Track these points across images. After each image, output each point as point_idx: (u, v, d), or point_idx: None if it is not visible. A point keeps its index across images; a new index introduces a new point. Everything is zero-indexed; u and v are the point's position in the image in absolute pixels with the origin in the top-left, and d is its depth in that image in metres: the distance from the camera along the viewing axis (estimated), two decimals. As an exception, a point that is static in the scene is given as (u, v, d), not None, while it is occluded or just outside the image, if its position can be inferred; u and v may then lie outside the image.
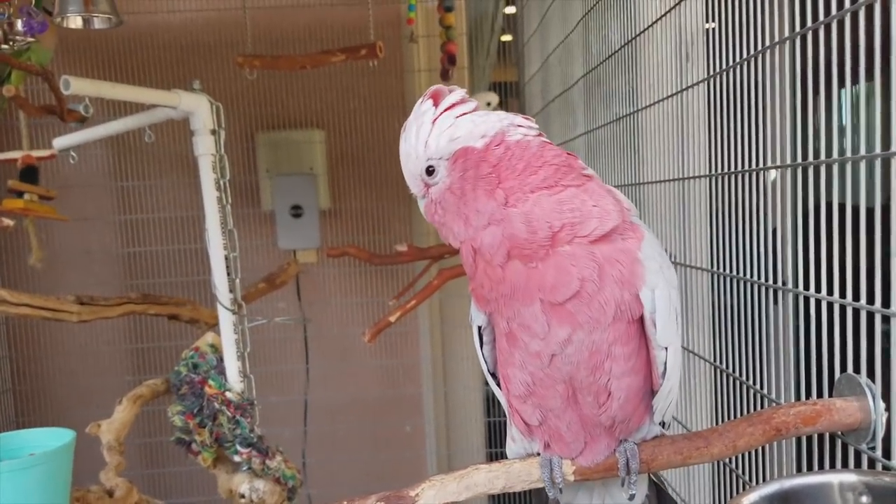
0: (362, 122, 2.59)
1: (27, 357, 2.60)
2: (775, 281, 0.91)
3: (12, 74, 1.72)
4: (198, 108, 1.61)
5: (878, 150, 0.70)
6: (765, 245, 0.93)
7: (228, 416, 1.62)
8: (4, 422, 2.54)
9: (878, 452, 0.74)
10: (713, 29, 1.02)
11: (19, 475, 1.12)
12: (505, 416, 0.83)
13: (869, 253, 0.72)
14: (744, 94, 0.95)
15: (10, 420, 2.57)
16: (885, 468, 0.73)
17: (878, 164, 0.71)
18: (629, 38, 1.32)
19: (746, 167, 0.96)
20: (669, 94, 1.17)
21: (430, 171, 0.72)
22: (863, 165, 0.73)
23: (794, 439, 0.90)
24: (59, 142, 1.77)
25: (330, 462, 2.68)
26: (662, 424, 0.81)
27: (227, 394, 1.65)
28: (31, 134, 2.06)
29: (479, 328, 0.80)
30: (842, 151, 0.78)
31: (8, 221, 1.72)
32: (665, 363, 0.74)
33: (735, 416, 1.02)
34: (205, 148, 1.63)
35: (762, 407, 0.95)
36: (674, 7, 1.12)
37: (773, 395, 0.93)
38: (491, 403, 2.85)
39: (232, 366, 1.69)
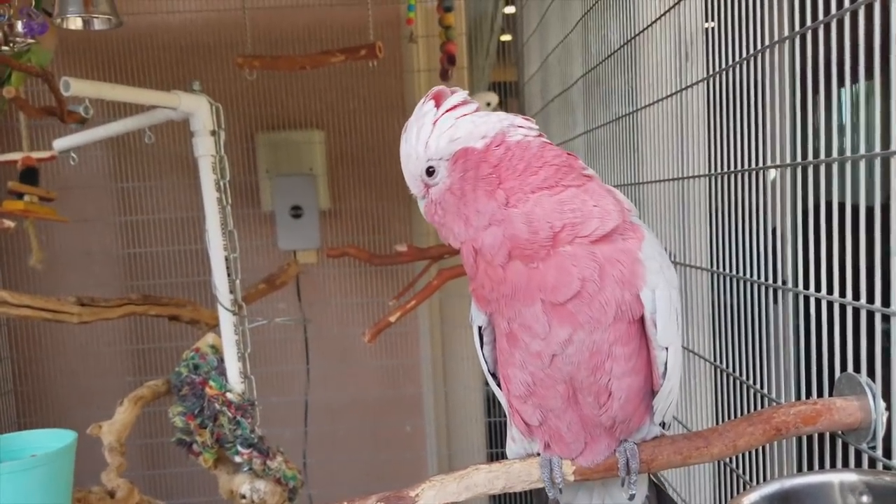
0: (362, 123, 2.60)
1: (28, 358, 2.61)
2: (775, 280, 0.91)
3: (12, 76, 1.72)
4: (198, 109, 1.61)
5: (877, 149, 0.70)
6: (765, 244, 0.93)
7: (229, 416, 1.62)
8: (6, 423, 2.54)
9: (879, 452, 0.74)
10: (712, 28, 1.02)
11: (20, 476, 1.12)
12: (505, 416, 0.83)
13: (869, 252, 0.72)
14: (743, 93, 0.95)
15: (11, 421, 2.57)
16: (886, 468, 0.72)
17: (877, 163, 0.71)
18: (628, 38, 1.32)
19: (746, 166, 0.96)
20: (669, 93, 1.17)
21: (430, 171, 0.72)
22: (862, 164, 0.73)
23: (794, 439, 0.90)
24: (60, 143, 1.77)
25: (330, 462, 2.68)
26: (662, 424, 0.81)
27: (228, 394, 1.65)
28: (31, 135, 2.07)
29: (480, 328, 0.80)
30: (841, 150, 0.78)
31: (8, 223, 1.72)
32: (665, 363, 0.74)
33: (735, 416, 1.02)
34: (205, 149, 1.64)
35: (762, 406, 0.95)
36: (673, 6, 1.12)
37: (774, 395, 0.93)
38: (491, 403, 2.85)
39: (232, 366, 1.69)
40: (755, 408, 0.97)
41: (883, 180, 0.70)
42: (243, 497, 1.65)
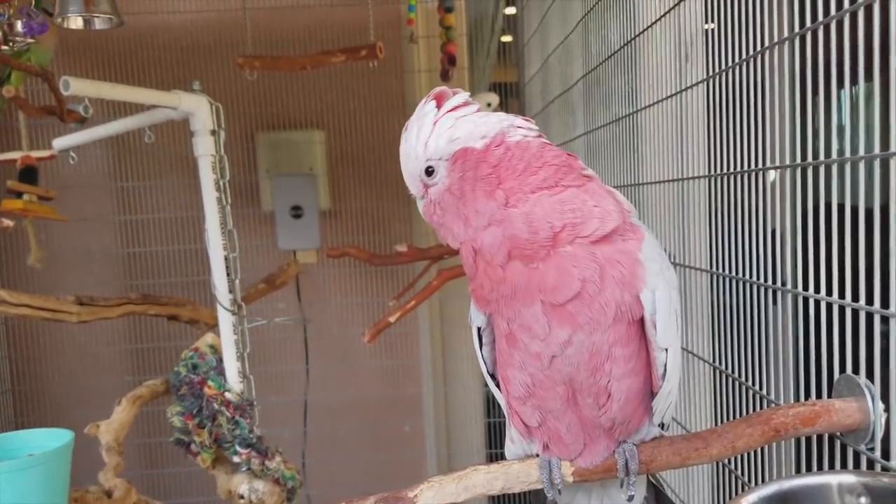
0: (362, 123, 2.60)
1: (26, 357, 2.60)
2: (774, 281, 0.91)
3: (12, 75, 1.72)
4: (198, 109, 1.61)
5: (877, 150, 0.70)
6: (764, 246, 0.93)
7: (228, 416, 1.62)
8: (3, 422, 2.53)
9: (877, 453, 0.73)
10: (712, 29, 1.02)
11: (18, 476, 1.12)
12: (504, 417, 0.83)
13: (868, 253, 0.72)
14: (743, 94, 0.95)
15: (8, 420, 2.57)
16: (884, 469, 0.72)
17: (877, 164, 0.71)
18: (629, 39, 1.32)
19: (746, 168, 0.96)
20: (669, 94, 1.17)
21: (429, 171, 0.72)
22: (862, 166, 0.73)
23: (793, 440, 0.90)
24: (59, 142, 1.77)
25: (329, 462, 2.68)
26: (661, 426, 0.80)
27: (227, 394, 1.64)
28: (30, 134, 2.06)
29: (479, 329, 0.79)
30: (841, 152, 0.78)
31: (7, 222, 1.72)
32: (665, 365, 0.74)
33: (734, 417, 1.02)
34: (205, 148, 1.63)
35: (761, 408, 0.95)
36: (673, 7, 1.12)
37: (772, 396, 0.93)
38: (491, 404, 2.85)
39: (231, 366, 1.69)
40: (754, 409, 0.97)
41: (882, 182, 0.70)
42: (241, 497, 1.65)
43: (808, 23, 0.79)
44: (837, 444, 0.79)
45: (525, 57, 2.69)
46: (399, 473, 2.66)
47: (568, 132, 1.93)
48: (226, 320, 1.69)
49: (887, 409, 0.72)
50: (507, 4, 2.80)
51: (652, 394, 0.76)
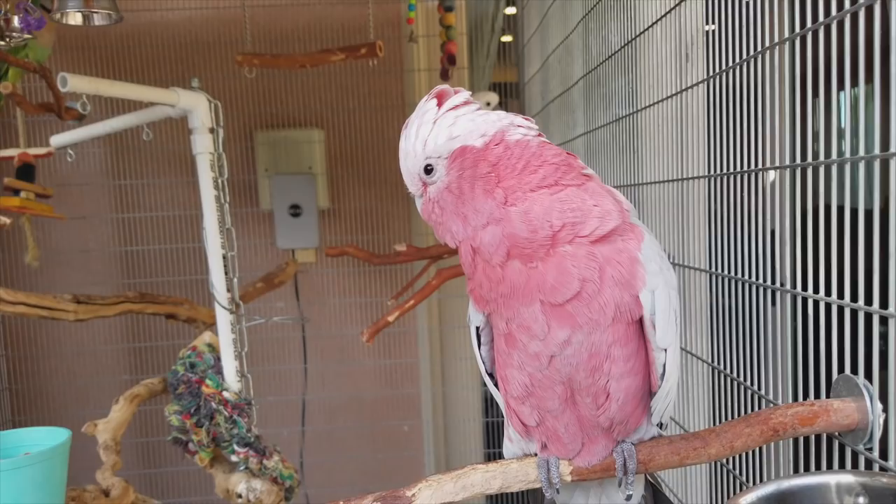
0: (362, 122, 2.59)
1: (23, 356, 2.60)
2: (773, 282, 0.91)
3: (9, 71, 1.72)
4: (196, 107, 1.61)
5: (876, 151, 0.70)
6: (763, 246, 0.93)
7: (226, 415, 1.62)
8: (0, 420, 2.53)
9: (875, 453, 0.74)
10: (713, 30, 1.02)
11: (14, 474, 1.12)
12: (503, 416, 0.83)
13: (867, 254, 0.72)
14: (743, 95, 0.95)
15: (6, 419, 2.57)
16: (882, 469, 0.73)
17: (876, 165, 0.71)
18: (629, 39, 1.32)
19: (745, 168, 0.96)
20: (669, 94, 1.17)
21: (428, 169, 0.72)
22: (861, 167, 0.74)
23: (791, 440, 0.90)
24: (57, 139, 1.76)
25: (327, 462, 2.68)
26: (660, 425, 0.81)
27: (225, 393, 1.64)
28: (28, 131, 2.06)
29: (478, 328, 0.79)
30: (840, 153, 0.78)
31: (4, 219, 1.72)
32: (664, 364, 0.74)
33: (732, 417, 1.02)
34: (203, 146, 1.63)
35: (760, 408, 0.95)
36: (673, 8, 1.12)
37: (771, 396, 0.93)
38: (489, 404, 2.85)
39: (229, 365, 1.68)
40: (752, 409, 0.97)
41: (881, 183, 0.70)
42: (239, 496, 1.65)
43: (808, 24, 0.79)
44: (836, 444, 0.79)
45: (525, 57, 2.69)
46: (397, 472, 2.66)
47: (568, 132, 1.93)
48: (224, 319, 1.68)
49: (885, 410, 0.72)
50: (508, 4, 2.80)
51: (650, 393, 0.76)
